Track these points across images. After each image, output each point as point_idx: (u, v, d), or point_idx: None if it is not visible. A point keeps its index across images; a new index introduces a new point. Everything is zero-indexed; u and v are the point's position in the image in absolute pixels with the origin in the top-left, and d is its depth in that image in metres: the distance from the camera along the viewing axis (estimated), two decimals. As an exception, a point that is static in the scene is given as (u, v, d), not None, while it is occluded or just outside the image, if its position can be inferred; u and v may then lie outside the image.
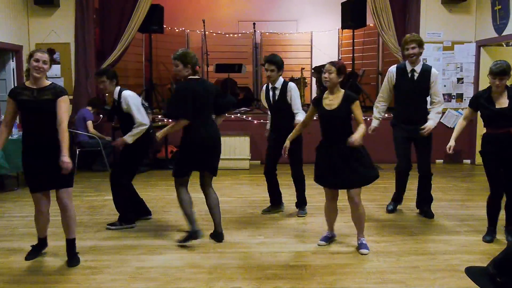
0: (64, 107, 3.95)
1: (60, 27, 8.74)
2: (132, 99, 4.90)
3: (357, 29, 9.99)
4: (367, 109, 9.54)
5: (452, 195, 6.41)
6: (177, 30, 11.56)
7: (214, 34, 11.67)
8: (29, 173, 4.05)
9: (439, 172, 7.73)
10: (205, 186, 4.61)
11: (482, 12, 8.61)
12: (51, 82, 4.04)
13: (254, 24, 10.93)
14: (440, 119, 5.38)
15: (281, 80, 5.28)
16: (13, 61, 8.42)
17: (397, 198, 5.63)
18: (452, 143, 4.66)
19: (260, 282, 3.68)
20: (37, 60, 3.89)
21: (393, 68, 5.31)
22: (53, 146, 3.88)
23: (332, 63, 4.24)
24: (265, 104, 5.56)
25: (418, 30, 8.72)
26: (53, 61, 4.12)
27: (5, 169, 6.65)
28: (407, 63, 5.20)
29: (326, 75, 4.17)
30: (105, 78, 4.94)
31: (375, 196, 6.19)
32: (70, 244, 4.13)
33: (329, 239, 4.56)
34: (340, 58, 11.31)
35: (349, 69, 10.14)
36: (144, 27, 9.13)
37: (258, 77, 11.25)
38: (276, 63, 5.19)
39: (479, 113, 4.59)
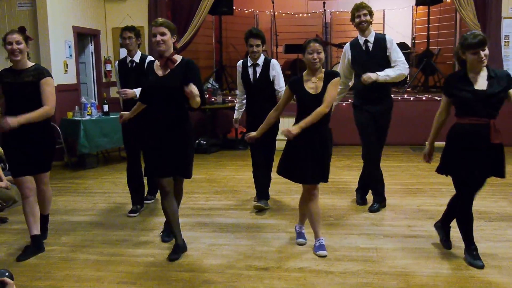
0: (48, 90, 3.80)
1: (134, 11, 9.03)
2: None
3: (433, 5, 9.55)
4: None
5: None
6: (246, 11, 11.59)
7: (283, 14, 11.60)
8: (11, 158, 3.94)
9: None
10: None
11: None
12: (34, 64, 3.90)
13: (324, 3, 10.75)
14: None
15: (262, 56, 4.94)
16: (91, 45, 8.83)
17: (362, 187, 5.19)
18: (428, 149, 3.78)
19: (330, 263, 3.68)
20: (10, 43, 3.75)
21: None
22: (34, 132, 3.81)
23: (316, 41, 3.71)
24: (239, 84, 5.15)
25: (499, 5, 8.20)
26: (28, 38, 3.87)
27: (85, 148, 7.05)
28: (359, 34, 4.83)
29: (315, 55, 3.66)
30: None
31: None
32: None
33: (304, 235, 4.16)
34: (414, 36, 10.90)
35: (424, 48, 9.76)
36: (214, 9, 9.23)
37: (328, 57, 11.07)
38: (262, 37, 4.85)
39: None
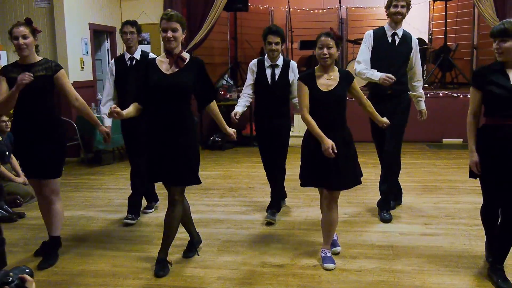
0: (68, 81, 3.73)
1: (149, 8, 9.06)
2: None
3: (450, 0, 9.43)
4: (460, 86, 9.05)
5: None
6: (261, 8, 11.57)
7: (299, 10, 11.56)
8: (21, 159, 3.83)
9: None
10: None
11: None
12: (42, 58, 3.67)
13: (339, -1, 10.67)
14: None
15: (281, 56, 4.49)
16: (107, 42, 8.90)
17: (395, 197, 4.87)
18: (475, 157, 3.21)
19: (345, 261, 3.66)
20: (16, 38, 3.49)
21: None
22: (45, 129, 3.63)
23: (328, 34, 3.42)
24: (249, 86, 4.58)
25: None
26: (35, 31, 3.60)
27: (102, 144, 7.10)
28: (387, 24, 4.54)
29: (325, 50, 3.39)
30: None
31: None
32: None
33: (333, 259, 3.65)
34: (431, 31, 10.78)
35: (441, 44, 9.64)
36: (229, 6, 9.22)
37: (343, 54, 11.00)
38: (282, 35, 4.37)
39: None
